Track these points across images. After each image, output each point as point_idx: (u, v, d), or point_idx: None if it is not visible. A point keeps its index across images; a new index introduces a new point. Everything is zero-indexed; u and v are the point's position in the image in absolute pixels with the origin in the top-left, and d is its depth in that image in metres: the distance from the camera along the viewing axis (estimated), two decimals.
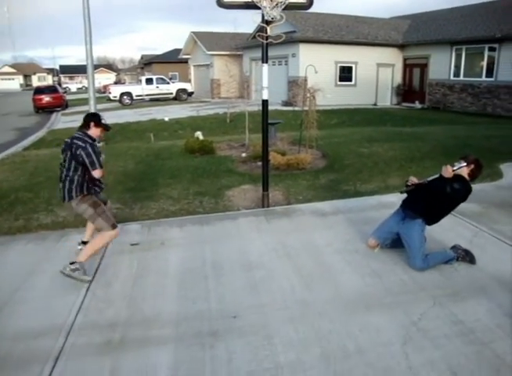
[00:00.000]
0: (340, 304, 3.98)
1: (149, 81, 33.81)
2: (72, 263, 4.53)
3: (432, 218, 4.72)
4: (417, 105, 25.66)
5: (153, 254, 5.18)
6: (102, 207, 4.71)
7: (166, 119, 20.09)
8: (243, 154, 10.36)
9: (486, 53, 21.98)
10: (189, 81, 40.04)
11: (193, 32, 37.08)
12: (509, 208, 6.27)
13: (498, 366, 3.12)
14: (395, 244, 4.93)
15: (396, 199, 6.54)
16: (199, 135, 12.31)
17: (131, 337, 3.63)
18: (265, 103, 6.49)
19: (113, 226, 4.66)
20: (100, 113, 4.93)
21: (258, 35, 6.24)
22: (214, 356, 3.34)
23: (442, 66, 24.29)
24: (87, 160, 4.47)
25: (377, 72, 26.80)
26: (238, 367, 3.20)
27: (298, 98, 22.74)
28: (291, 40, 23.94)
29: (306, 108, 10.19)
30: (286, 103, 25.05)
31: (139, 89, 33.28)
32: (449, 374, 3.05)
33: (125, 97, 32.28)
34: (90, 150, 4.49)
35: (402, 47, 27.14)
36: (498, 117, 20.36)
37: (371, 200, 6.79)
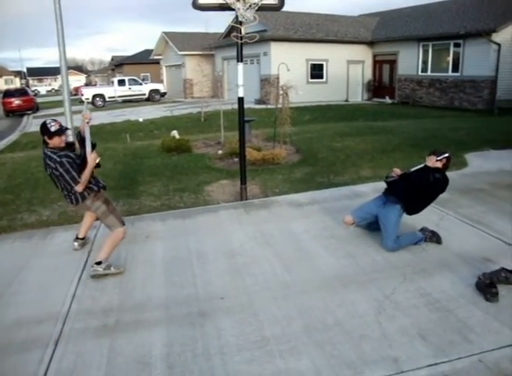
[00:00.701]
0: (318, 283, 4.29)
1: (121, 83, 33.74)
2: (98, 263, 4.66)
3: (413, 207, 5.09)
4: (387, 100, 26.27)
5: (139, 247, 5.41)
6: (113, 205, 4.93)
7: (140, 120, 20.19)
8: (220, 151, 10.60)
9: (452, 49, 22.64)
10: (162, 81, 40.00)
11: (164, 32, 37.08)
12: (472, 194, 6.69)
13: (460, 328, 3.48)
14: (370, 226, 5.28)
15: (368, 189, 6.94)
16: (175, 134, 12.51)
17: (125, 320, 3.87)
18: (240, 100, 6.77)
19: (123, 223, 4.85)
20: (46, 121, 4.61)
21: (233, 35, 6.51)
22: (205, 333, 3.61)
23: (410, 62, 24.93)
24: (67, 177, 4.48)
25: (348, 69, 27.31)
26: (227, 342, 3.47)
27: (271, 96, 23.07)
28: (262, 39, 24.21)
29: (279, 105, 10.50)
30: (259, 101, 25.35)
31: (112, 91, 33.17)
32: (419, 338, 3.39)
33: (98, 99, 32.15)
34: (67, 165, 4.46)
35: (371, 44, 27.72)
36: (464, 110, 21.04)
37: (344, 191, 7.13)
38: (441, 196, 5.89)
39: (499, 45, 20.16)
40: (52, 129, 4.52)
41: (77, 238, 5.46)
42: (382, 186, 6.30)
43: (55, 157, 4.49)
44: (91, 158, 4.64)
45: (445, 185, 4.95)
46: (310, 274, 4.48)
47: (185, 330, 3.65)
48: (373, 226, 5.23)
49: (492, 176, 7.66)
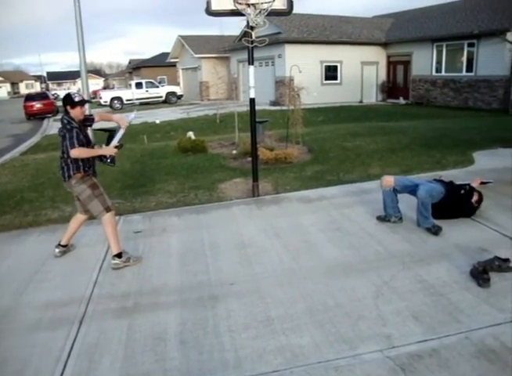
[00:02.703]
0: (321, 271, 4.60)
1: (138, 86, 34.42)
2: (117, 256, 4.95)
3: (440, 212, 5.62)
4: (401, 101, 26.42)
5: (156, 239, 5.77)
6: (100, 190, 5.02)
7: (157, 121, 20.66)
8: (234, 151, 10.95)
9: (466, 49, 22.75)
10: (178, 84, 40.62)
11: (181, 36, 37.66)
12: None
13: (451, 310, 3.76)
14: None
15: (375, 186, 7.18)
16: (191, 135, 12.89)
17: (142, 303, 4.22)
18: (252, 100, 7.10)
19: (108, 209, 4.94)
20: (70, 92, 4.98)
21: (244, 40, 6.84)
22: (215, 314, 3.94)
23: (425, 62, 25.05)
24: (68, 142, 4.69)
25: (362, 70, 27.54)
26: (236, 321, 3.80)
27: (285, 97, 23.38)
28: (277, 41, 24.59)
29: (292, 107, 10.82)
30: (273, 103, 25.68)
31: (129, 94, 33.87)
32: (412, 318, 3.68)
33: (116, 102, 32.84)
34: (68, 133, 4.70)
35: (385, 45, 27.90)
36: (478, 110, 21.11)
37: (352, 188, 7.41)
38: None
39: None
40: (76, 99, 4.84)
41: (59, 245, 5.46)
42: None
43: (68, 124, 4.77)
44: (110, 148, 4.96)
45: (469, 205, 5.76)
46: (314, 263, 4.79)
47: (198, 312, 3.99)
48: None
49: (497, 173, 7.84)
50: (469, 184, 5.86)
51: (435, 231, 5.31)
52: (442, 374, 3.07)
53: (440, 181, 5.89)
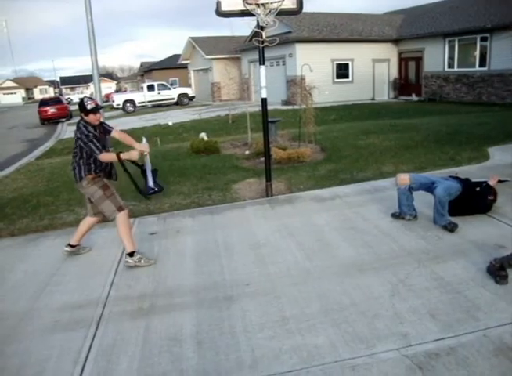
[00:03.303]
0: (336, 270, 4.58)
1: (150, 88, 34.60)
2: (130, 254, 5.03)
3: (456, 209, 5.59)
4: (414, 97, 26.23)
5: (171, 241, 5.80)
6: (112, 191, 5.09)
7: (170, 123, 20.75)
8: (247, 152, 10.96)
9: (478, 43, 22.53)
10: (190, 85, 40.77)
11: (191, 37, 37.77)
12: None
13: (468, 307, 3.72)
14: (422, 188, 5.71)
15: (389, 183, 7.17)
16: (203, 136, 12.93)
17: (158, 304, 4.24)
18: (264, 100, 7.10)
19: (120, 209, 5.02)
20: (84, 98, 5.03)
21: (255, 40, 6.85)
22: (231, 314, 3.95)
23: (437, 58, 24.86)
24: (87, 149, 4.84)
25: (373, 67, 27.41)
26: (251, 321, 3.81)
27: (297, 97, 23.37)
28: (287, 40, 24.56)
29: (304, 106, 10.80)
30: (285, 103, 25.66)
31: (141, 96, 34.06)
32: (428, 316, 3.65)
33: (128, 104, 33.06)
34: (87, 138, 4.81)
35: (396, 41, 27.73)
36: (493, 104, 20.88)
37: (366, 186, 7.38)
38: None
39: None
40: (88, 107, 4.89)
41: (68, 244, 5.54)
42: None
43: (84, 128, 4.87)
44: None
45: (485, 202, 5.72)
46: (329, 262, 4.77)
47: (213, 312, 4.00)
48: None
49: None
50: (486, 182, 5.80)
51: (451, 228, 5.26)
52: (461, 372, 3.04)
53: (456, 178, 5.84)
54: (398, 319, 3.66)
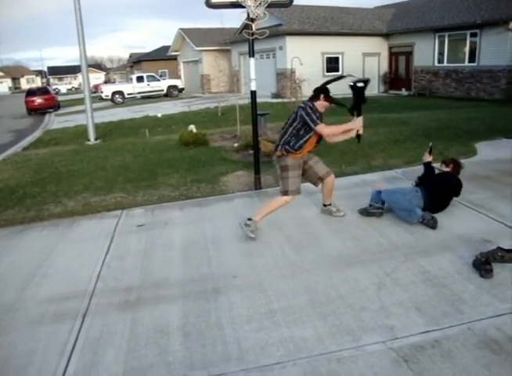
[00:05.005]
0: (324, 263, 4.60)
1: (139, 79, 34.37)
2: (249, 219, 5.26)
3: (434, 205, 5.61)
4: (404, 92, 26.36)
5: (158, 233, 5.78)
6: (297, 173, 5.34)
7: (159, 115, 20.65)
8: (236, 144, 10.93)
9: (468, 39, 22.65)
10: (179, 77, 40.56)
11: (181, 29, 37.56)
12: (478, 181, 6.89)
13: (453, 301, 3.76)
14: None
15: (377, 177, 7.21)
16: (192, 128, 12.87)
17: (145, 297, 4.23)
18: (253, 93, 7.08)
19: (290, 193, 5.25)
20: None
21: (245, 32, 6.81)
22: (218, 306, 3.95)
23: (426, 53, 24.97)
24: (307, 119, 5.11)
25: (363, 61, 27.46)
26: (238, 313, 3.81)
27: (287, 90, 23.33)
28: (278, 33, 24.49)
29: (293, 99, 10.79)
30: (275, 95, 25.61)
31: (131, 88, 33.84)
32: (414, 309, 3.68)
33: (117, 96, 32.84)
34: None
35: (386, 36, 27.80)
36: (481, 100, 21.01)
37: (355, 179, 7.40)
38: None
39: None
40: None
41: (323, 205, 5.95)
42: (391, 174, 6.62)
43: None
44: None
45: (455, 184, 5.79)
46: (317, 255, 4.79)
47: (200, 304, 4.00)
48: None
49: (500, 164, 7.84)
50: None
51: (427, 222, 5.28)
52: (445, 364, 3.07)
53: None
54: (385, 312, 3.68)
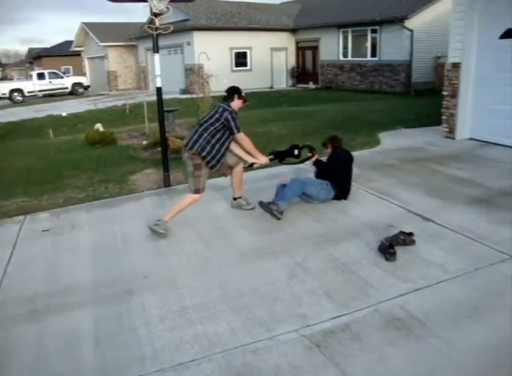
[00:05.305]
0: (236, 257, 4.63)
1: (40, 76, 32.57)
2: (158, 221, 5.18)
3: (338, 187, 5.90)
4: (311, 85, 27.03)
5: (66, 237, 5.52)
6: (201, 172, 5.22)
7: (64, 114, 19.77)
8: (144, 142, 10.70)
9: (369, 35, 23.62)
10: (84, 74, 39.00)
11: (84, 23, 36.13)
12: (382, 169, 7.24)
13: (361, 285, 3.92)
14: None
15: (286, 169, 7.32)
16: (99, 126, 12.47)
17: (53, 305, 4.02)
18: (159, 90, 6.95)
19: (197, 191, 5.21)
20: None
21: (148, 26, 6.66)
22: (130, 308, 3.85)
23: (332, 48, 25.74)
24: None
25: (271, 56, 27.84)
26: (151, 314, 3.74)
27: (195, 85, 23.18)
28: (185, 28, 24.26)
29: (201, 95, 10.73)
30: (184, 91, 25.33)
31: (31, 85, 32.01)
32: (325, 297, 3.80)
33: (16, 94, 30.94)
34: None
35: (293, 31, 28.35)
36: (384, 93, 22.03)
37: (263, 173, 7.47)
38: (354, 172, 6.40)
39: (411, 31, 21.23)
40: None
41: (233, 198, 5.98)
42: (299, 166, 6.74)
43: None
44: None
45: (346, 156, 6.11)
46: (228, 249, 4.81)
47: (112, 308, 3.88)
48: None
49: (401, 152, 8.27)
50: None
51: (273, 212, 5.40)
52: (354, 346, 3.19)
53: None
54: (297, 301, 3.76)
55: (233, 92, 5.42)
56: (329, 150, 6.22)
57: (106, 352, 3.34)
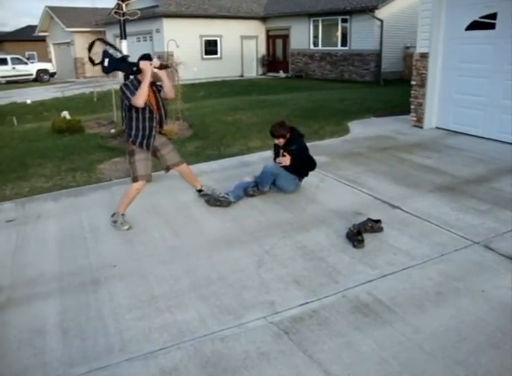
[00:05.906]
0: (204, 245, 4.62)
1: (3, 62, 31.57)
2: (113, 215, 5.16)
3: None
4: (282, 74, 27.02)
5: (31, 227, 5.41)
6: (136, 158, 5.09)
7: (28, 101, 19.30)
8: (112, 130, 10.53)
9: (340, 24, 23.70)
10: (50, 60, 38.05)
11: (49, 7, 35.08)
12: (351, 157, 7.31)
13: (329, 272, 3.97)
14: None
15: (255, 158, 7.35)
16: (66, 114, 12.21)
17: (17, 296, 3.94)
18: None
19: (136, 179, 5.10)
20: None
21: (115, 12, 6.54)
22: (98, 298, 3.81)
23: (302, 36, 25.74)
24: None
25: (242, 44, 27.68)
26: (119, 303, 3.71)
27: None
28: (154, 15, 23.92)
29: (171, 82, 10.58)
30: None
31: None
32: (293, 283, 3.83)
33: None
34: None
35: (264, 19, 28.23)
36: (354, 82, 22.20)
37: (233, 161, 7.47)
38: (323, 160, 6.46)
39: (381, 21, 21.38)
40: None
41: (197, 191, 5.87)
42: (268, 155, 6.74)
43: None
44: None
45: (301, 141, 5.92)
46: (197, 238, 4.79)
47: (79, 298, 3.82)
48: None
49: (370, 141, 8.36)
50: None
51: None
52: (323, 332, 3.23)
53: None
54: (265, 288, 3.78)
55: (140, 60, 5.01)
56: (282, 141, 5.80)
57: (74, 343, 3.29)
